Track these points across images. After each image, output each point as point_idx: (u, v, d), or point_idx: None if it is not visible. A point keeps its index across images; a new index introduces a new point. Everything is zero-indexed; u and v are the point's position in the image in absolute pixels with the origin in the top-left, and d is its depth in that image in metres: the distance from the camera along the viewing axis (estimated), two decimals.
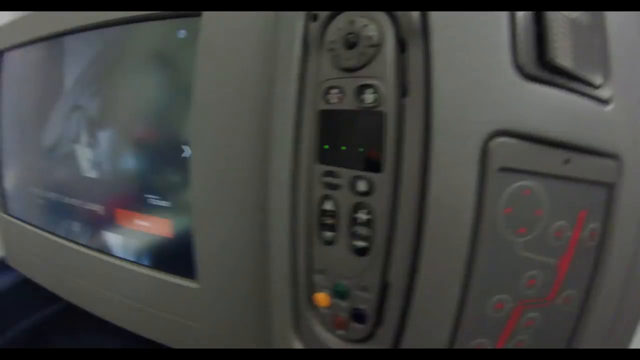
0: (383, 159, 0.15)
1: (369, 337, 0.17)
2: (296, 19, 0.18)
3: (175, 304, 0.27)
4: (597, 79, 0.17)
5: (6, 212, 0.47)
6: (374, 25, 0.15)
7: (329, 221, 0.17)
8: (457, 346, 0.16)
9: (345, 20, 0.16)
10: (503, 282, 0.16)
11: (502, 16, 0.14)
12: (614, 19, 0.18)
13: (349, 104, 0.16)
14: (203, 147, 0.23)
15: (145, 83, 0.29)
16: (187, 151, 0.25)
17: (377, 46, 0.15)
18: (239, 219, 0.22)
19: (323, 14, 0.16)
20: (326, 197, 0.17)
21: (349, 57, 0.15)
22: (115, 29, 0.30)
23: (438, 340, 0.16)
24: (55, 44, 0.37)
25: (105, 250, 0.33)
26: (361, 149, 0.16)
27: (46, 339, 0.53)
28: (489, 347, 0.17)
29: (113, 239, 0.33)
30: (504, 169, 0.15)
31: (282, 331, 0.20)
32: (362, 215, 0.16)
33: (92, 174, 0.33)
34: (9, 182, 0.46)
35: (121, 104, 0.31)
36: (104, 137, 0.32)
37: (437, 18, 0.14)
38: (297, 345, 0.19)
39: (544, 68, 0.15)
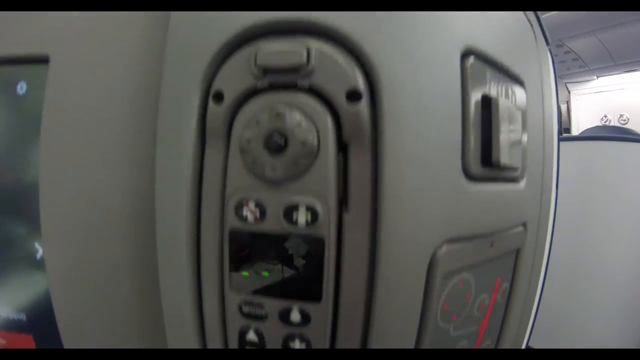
0: (322, 288, 0.13)
1: None
2: (188, 93, 0.13)
3: None
4: (519, 161, 0.19)
5: None
6: (311, 123, 0.12)
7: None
8: None
9: (266, 110, 0.12)
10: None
11: (456, 113, 0.14)
12: (529, 95, 0.20)
13: (271, 223, 0.13)
14: (58, 248, 0.17)
15: None
16: (39, 251, 0.18)
17: (314, 155, 0.12)
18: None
19: (231, 94, 0.12)
20: (247, 328, 0.14)
21: (274, 165, 0.12)
22: None
23: None
24: None
25: None
26: (287, 276, 0.14)
27: None
28: None
29: None
30: (448, 273, 0.15)
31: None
32: (297, 346, 0.14)
33: None
34: None
35: None
36: None
37: (391, 118, 0.12)
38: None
39: (487, 166, 0.16)
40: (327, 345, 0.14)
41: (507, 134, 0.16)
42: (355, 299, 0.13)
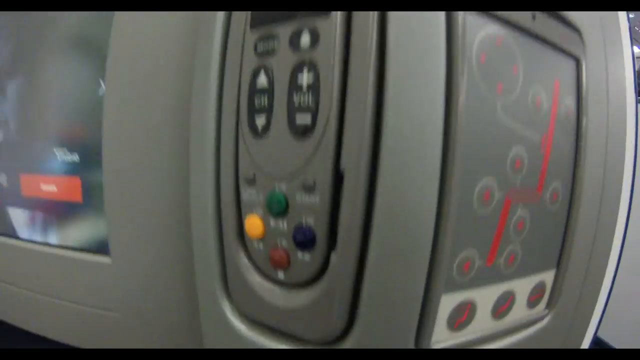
0: None
1: (320, 272, 0.13)
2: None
3: (87, 285, 0.24)
4: None
5: None
6: None
7: (262, 101, 0.13)
8: (440, 263, 0.13)
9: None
10: (488, 159, 0.14)
11: None
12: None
13: None
14: (119, 83, 0.20)
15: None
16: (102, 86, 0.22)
17: None
18: (155, 180, 0.19)
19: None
20: (259, 69, 0.13)
21: None
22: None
23: (417, 257, 0.13)
24: None
25: (8, 232, 0.29)
26: None
27: None
28: (478, 262, 0.15)
29: (17, 216, 0.30)
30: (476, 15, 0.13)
31: (209, 292, 0.15)
32: (304, 79, 0.12)
33: None
34: None
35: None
36: (11, 88, 0.28)
37: None
38: (228, 309, 0.14)
39: None
40: (337, 73, 0.12)
41: None
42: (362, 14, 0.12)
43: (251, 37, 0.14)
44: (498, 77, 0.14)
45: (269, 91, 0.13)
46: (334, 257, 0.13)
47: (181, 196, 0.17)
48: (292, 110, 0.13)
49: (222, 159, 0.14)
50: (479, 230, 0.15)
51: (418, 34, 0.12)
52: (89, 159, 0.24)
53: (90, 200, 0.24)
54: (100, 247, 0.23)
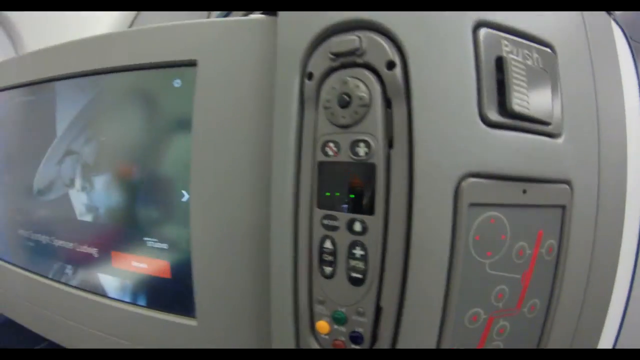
0: (375, 203, 0.20)
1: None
2: (292, 75, 0.23)
3: (172, 342, 0.32)
4: (549, 117, 0.23)
5: None
6: (364, 86, 0.20)
7: (328, 258, 0.22)
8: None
9: (338, 80, 0.22)
10: (476, 298, 0.22)
11: (470, 73, 0.20)
12: (564, 59, 0.25)
13: (344, 156, 0.22)
14: (202, 191, 0.29)
15: (142, 129, 0.34)
16: (186, 196, 0.30)
17: (368, 105, 0.20)
18: (238, 258, 0.28)
19: (317, 73, 0.21)
20: (326, 237, 0.22)
21: (344, 115, 0.21)
22: (110, 76, 0.35)
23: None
24: (46, 89, 0.42)
25: (98, 291, 0.38)
26: (352, 195, 0.21)
27: None
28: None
29: (107, 280, 0.38)
30: (474, 204, 0.21)
31: None
32: (358, 251, 0.21)
33: (87, 217, 0.38)
34: None
35: (118, 150, 0.36)
36: (100, 182, 0.37)
37: (417, 79, 0.20)
38: None
39: (505, 115, 0.21)
40: (379, 251, 0.21)
41: (522, 87, 0.21)
42: (398, 214, 0.20)
43: (319, 213, 0.23)
44: (488, 247, 0.22)
45: (333, 253, 0.22)
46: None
47: (262, 281, 0.26)
48: (349, 269, 0.22)
49: (299, 287, 0.24)
50: (470, 337, 0.23)
51: (434, 231, 0.20)
52: (177, 248, 0.31)
53: (177, 275, 0.31)
54: (186, 311, 0.30)
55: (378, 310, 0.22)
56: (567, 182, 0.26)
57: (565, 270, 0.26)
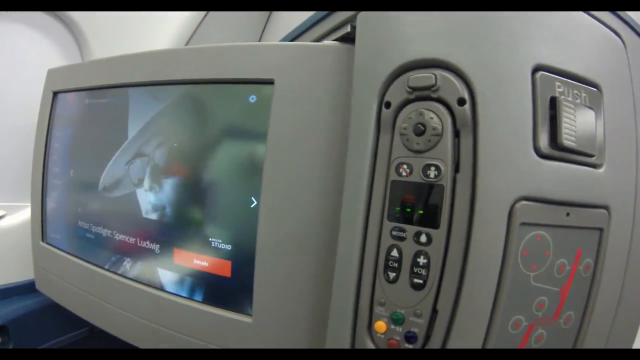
0: (440, 219, 0.24)
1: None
2: (370, 102, 0.27)
3: (225, 337, 0.36)
4: (592, 149, 0.26)
5: (46, 241, 0.57)
6: (438, 118, 0.24)
7: (393, 264, 0.25)
8: None
9: (414, 111, 0.26)
10: (520, 306, 0.26)
11: (528, 111, 0.24)
12: (608, 96, 0.28)
13: (415, 177, 0.26)
14: (272, 199, 0.33)
15: (214, 139, 0.38)
16: (254, 202, 0.34)
17: (440, 135, 0.24)
18: (300, 262, 0.32)
19: (395, 103, 0.25)
20: (393, 246, 0.25)
21: (418, 142, 0.26)
22: (186, 87, 0.39)
23: None
24: (120, 94, 0.46)
25: (155, 285, 0.42)
26: (421, 212, 0.25)
27: None
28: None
29: (166, 275, 0.41)
30: (524, 223, 0.24)
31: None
32: (421, 260, 0.25)
33: (152, 215, 0.42)
34: (55, 215, 0.56)
35: (188, 157, 0.40)
36: (169, 184, 0.41)
37: (483, 114, 0.23)
38: None
39: (555, 148, 0.25)
40: (440, 260, 0.25)
41: (571, 124, 0.24)
42: (460, 229, 0.24)
43: (388, 225, 0.27)
44: (533, 262, 0.25)
45: (399, 260, 0.26)
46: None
47: (322, 282, 0.30)
48: (412, 275, 0.25)
49: (362, 289, 0.28)
50: (511, 342, 0.26)
51: (489, 245, 0.24)
52: (240, 250, 0.34)
53: (237, 275, 0.34)
54: (242, 308, 0.33)
55: (434, 313, 0.25)
56: (606, 207, 0.29)
57: (600, 287, 0.29)
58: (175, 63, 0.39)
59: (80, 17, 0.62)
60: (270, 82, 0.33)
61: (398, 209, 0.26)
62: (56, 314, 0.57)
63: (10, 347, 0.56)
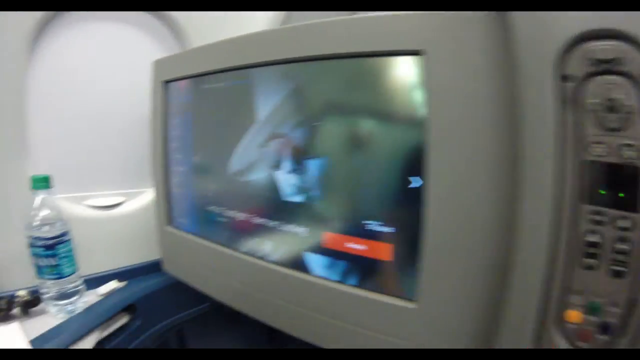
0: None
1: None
2: (544, 75, 0.27)
3: (383, 321, 0.35)
4: None
5: (172, 225, 0.59)
6: (628, 93, 0.24)
7: (591, 250, 0.25)
8: None
9: (602, 86, 0.25)
10: None
11: None
12: None
13: (612, 157, 0.26)
14: (440, 180, 0.33)
15: (360, 116, 0.37)
16: (415, 182, 0.34)
17: (632, 112, 0.25)
18: (473, 247, 0.31)
19: (577, 76, 0.26)
20: (591, 232, 0.25)
21: (612, 119, 0.25)
22: (321, 63, 0.38)
23: None
24: (245, 75, 0.47)
25: (301, 269, 0.42)
26: (621, 194, 0.24)
27: (181, 338, 0.68)
28: None
29: (314, 259, 0.41)
30: None
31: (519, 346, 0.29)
32: (623, 246, 0.24)
33: (294, 198, 0.43)
34: (180, 201, 0.59)
35: (334, 136, 0.39)
36: (314, 165, 0.41)
37: None
38: None
39: None
40: None
41: None
42: None
43: (584, 208, 0.27)
44: None
45: (598, 246, 0.26)
46: (621, 341, 0.26)
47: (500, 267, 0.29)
48: (612, 263, 0.25)
49: (554, 277, 0.27)
50: None
51: None
52: (404, 232, 0.33)
53: (399, 258, 0.33)
54: (404, 293, 0.31)
55: (633, 302, 0.25)
56: None
57: None
58: (307, 38, 0.38)
59: (179, 13, 0.64)
60: (417, 53, 0.31)
61: (602, 192, 0.26)
62: (179, 292, 0.61)
63: (138, 324, 0.59)
